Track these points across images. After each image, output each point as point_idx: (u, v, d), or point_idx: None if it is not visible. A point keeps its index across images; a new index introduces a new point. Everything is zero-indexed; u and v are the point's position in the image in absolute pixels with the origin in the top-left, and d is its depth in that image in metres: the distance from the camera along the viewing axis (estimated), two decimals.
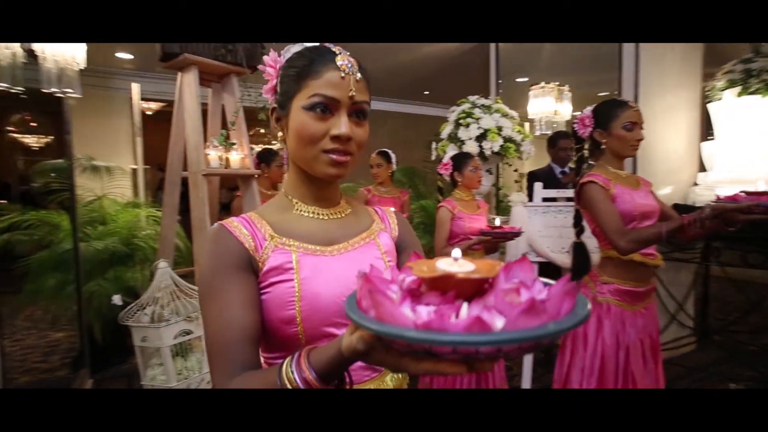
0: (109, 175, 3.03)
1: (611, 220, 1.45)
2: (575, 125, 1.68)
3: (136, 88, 4.07)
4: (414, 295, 0.40)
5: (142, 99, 4.13)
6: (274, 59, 0.73)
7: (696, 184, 3.00)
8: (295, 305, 0.64)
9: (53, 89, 1.72)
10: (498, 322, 0.32)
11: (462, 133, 2.66)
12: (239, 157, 1.74)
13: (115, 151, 4.10)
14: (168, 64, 1.65)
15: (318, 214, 0.73)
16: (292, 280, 0.65)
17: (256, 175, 1.87)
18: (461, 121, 2.68)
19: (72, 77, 1.80)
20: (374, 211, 0.83)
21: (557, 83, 3.37)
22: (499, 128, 2.63)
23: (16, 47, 1.70)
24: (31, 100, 2.19)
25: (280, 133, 0.72)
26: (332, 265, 0.68)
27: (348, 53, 0.68)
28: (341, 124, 0.65)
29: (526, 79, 4.05)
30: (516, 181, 3.07)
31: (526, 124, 3.77)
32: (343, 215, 0.75)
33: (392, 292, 0.40)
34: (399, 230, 0.81)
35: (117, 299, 1.45)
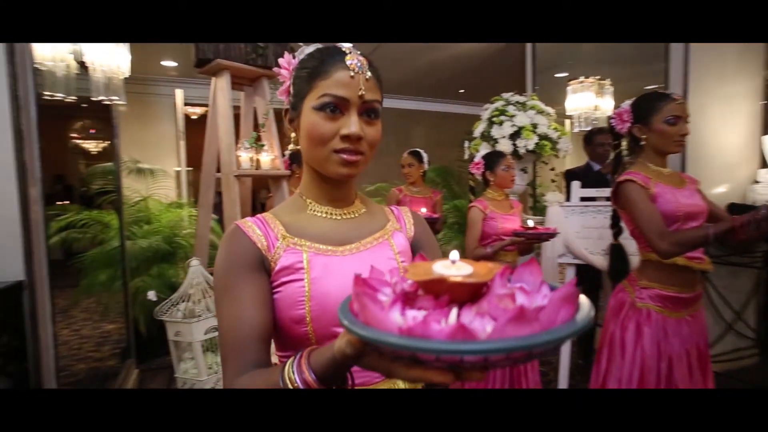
0: (153, 177, 3.21)
1: (651, 221, 1.36)
2: (612, 120, 1.59)
3: (179, 94, 4.28)
4: (409, 298, 0.39)
5: (186, 104, 4.33)
6: (288, 61, 0.74)
7: (756, 182, 2.77)
8: (305, 305, 0.64)
9: (101, 97, 1.84)
10: (486, 330, 0.31)
11: (495, 132, 2.60)
12: (269, 159, 1.78)
13: (160, 154, 4.34)
14: (202, 70, 1.72)
15: (331, 214, 0.73)
16: (302, 279, 0.65)
17: (288, 176, 1.91)
18: (494, 119, 2.61)
19: (117, 85, 1.91)
20: (390, 210, 0.82)
21: (598, 77, 3.22)
22: (534, 126, 2.54)
23: (70, 59, 1.82)
24: (90, 108, 2.35)
25: (293, 134, 0.73)
26: (343, 265, 0.68)
27: (359, 52, 0.67)
28: (351, 124, 0.65)
29: (565, 75, 3.89)
30: (552, 180, 2.96)
31: (567, 122, 3.63)
32: (356, 215, 0.75)
33: (384, 296, 0.39)
34: (415, 230, 0.80)
35: (152, 295, 1.53)
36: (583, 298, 0.37)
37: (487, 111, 2.73)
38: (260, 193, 5.49)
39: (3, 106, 1.27)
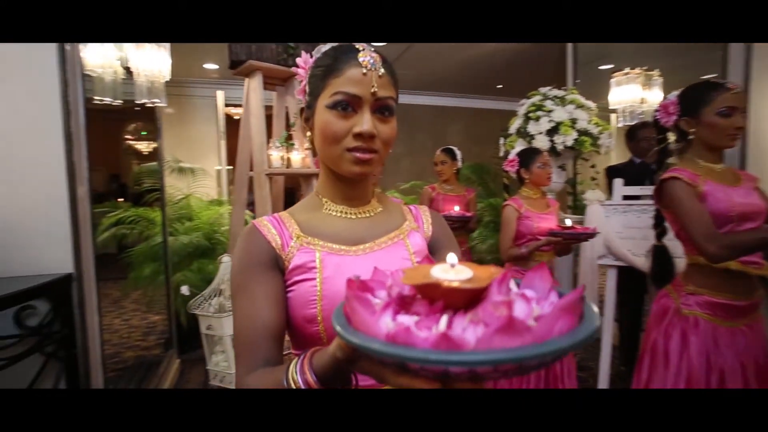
0: (194, 176, 3.35)
1: (698, 222, 1.26)
2: (657, 113, 1.49)
3: (220, 96, 4.45)
4: (405, 303, 0.38)
5: (227, 105, 4.50)
6: (305, 60, 0.74)
7: None
8: (317, 304, 0.64)
9: (144, 100, 1.94)
10: (473, 340, 0.29)
11: (531, 128, 2.51)
12: (300, 157, 1.81)
13: (202, 154, 4.53)
14: (236, 71, 1.77)
15: (346, 213, 0.72)
16: (314, 279, 0.65)
17: (317, 174, 1.93)
18: (531, 114, 2.53)
19: (159, 89, 2.00)
20: (408, 209, 0.81)
21: (645, 68, 3.02)
22: (573, 121, 2.43)
23: (117, 66, 1.93)
24: (140, 111, 2.49)
25: (308, 134, 0.73)
26: (356, 265, 0.67)
27: (372, 49, 0.66)
28: (364, 122, 0.64)
29: (609, 66, 3.69)
30: (592, 178, 2.81)
31: (612, 116, 3.44)
32: (372, 214, 0.74)
33: (378, 299, 0.38)
34: (433, 230, 0.78)
35: (185, 290, 1.60)
36: (590, 308, 0.34)
37: (523, 106, 2.65)
38: (299, 190, 5.62)
39: (55, 111, 1.36)
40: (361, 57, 0.64)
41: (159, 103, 1.97)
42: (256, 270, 0.66)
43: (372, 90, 0.64)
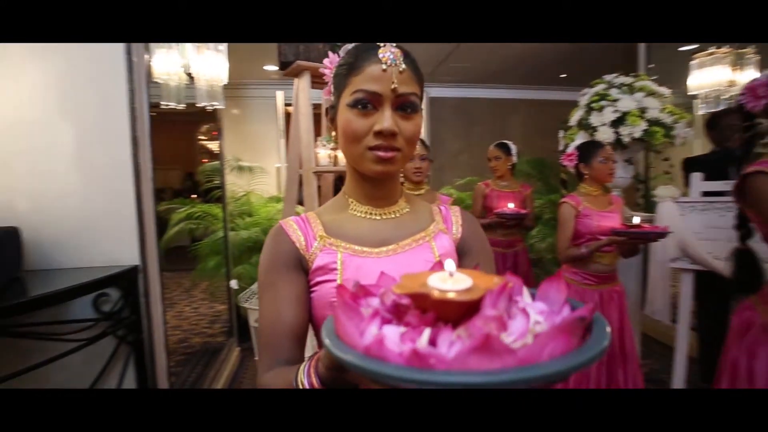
0: (253, 174, 3.53)
1: None
2: (742, 97, 1.31)
3: (280, 96, 4.63)
4: (400, 312, 0.36)
5: (287, 104, 4.68)
6: (331, 60, 0.73)
7: None
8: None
9: (204, 104, 2.06)
10: (450, 358, 0.26)
11: (594, 119, 2.32)
12: None
13: (264, 152, 4.75)
14: (285, 72, 1.82)
15: (370, 213, 0.71)
16: (335, 280, 0.65)
17: None
18: (593, 104, 2.34)
19: (217, 92, 2.12)
20: (438, 210, 0.78)
21: (735, 46, 2.66)
22: (642, 110, 2.21)
23: (181, 72, 2.08)
24: (209, 113, 2.66)
25: (333, 133, 0.73)
26: (378, 267, 0.66)
27: (393, 45, 0.64)
28: (384, 119, 0.62)
29: (693, 46, 3.31)
30: (666, 172, 2.55)
31: (695, 102, 3.09)
32: (398, 215, 0.72)
33: (368, 307, 0.36)
34: (463, 231, 0.74)
35: (233, 284, 1.68)
36: (601, 329, 0.30)
37: (585, 96, 2.46)
38: None
39: (123, 117, 1.49)
40: (381, 53, 0.63)
41: (218, 105, 2.09)
42: (281, 270, 0.67)
43: (392, 86, 0.62)
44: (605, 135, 2.24)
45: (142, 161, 1.52)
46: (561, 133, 2.62)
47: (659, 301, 2.09)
